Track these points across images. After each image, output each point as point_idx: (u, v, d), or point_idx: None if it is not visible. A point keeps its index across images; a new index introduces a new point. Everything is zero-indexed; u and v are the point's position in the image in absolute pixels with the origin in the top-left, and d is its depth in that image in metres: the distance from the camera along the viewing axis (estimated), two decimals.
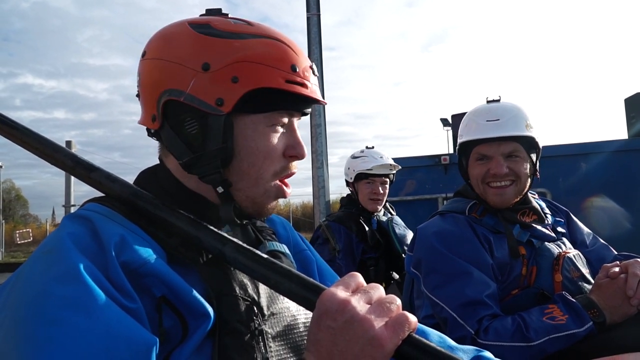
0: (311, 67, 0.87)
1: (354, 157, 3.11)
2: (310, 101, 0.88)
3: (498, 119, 1.60)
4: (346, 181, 3.16)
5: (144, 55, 0.88)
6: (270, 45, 0.83)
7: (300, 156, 0.90)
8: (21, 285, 0.66)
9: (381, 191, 2.99)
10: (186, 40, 0.83)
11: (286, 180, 0.91)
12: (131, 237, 0.74)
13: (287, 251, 0.97)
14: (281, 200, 1.09)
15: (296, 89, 0.83)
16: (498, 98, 1.75)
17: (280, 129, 0.87)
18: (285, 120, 0.87)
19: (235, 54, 0.81)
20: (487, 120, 1.61)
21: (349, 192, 3.17)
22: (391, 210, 3.21)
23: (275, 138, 0.86)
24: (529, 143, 1.62)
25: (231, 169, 0.85)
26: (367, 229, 2.90)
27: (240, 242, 0.77)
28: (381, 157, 3.01)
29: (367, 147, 3.15)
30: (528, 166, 1.62)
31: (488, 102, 1.75)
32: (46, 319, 0.61)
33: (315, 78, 0.89)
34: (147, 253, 0.74)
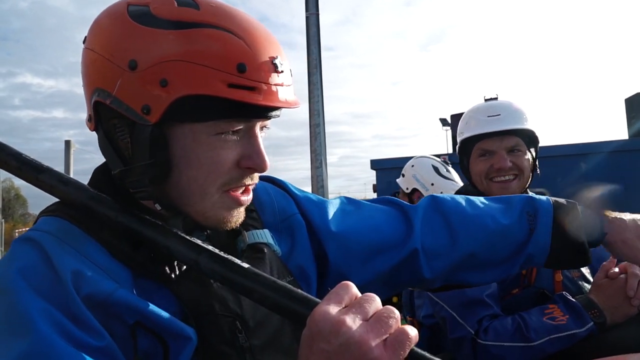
0: (274, 62, 0.69)
1: (442, 175, 2.70)
2: (269, 107, 0.70)
3: (499, 114, 1.62)
4: (408, 188, 2.78)
5: (84, 41, 0.74)
6: (213, 38, 0.66)
7: (258, 168, 0.73)
8: None
9: None
10: (118, 29, 0.69)
11: (250, 187, 0.76)
12: (87, 266, 0.66)
13: (270, 240, 0.84)
14: None
15: (242, 95, 0.66)
16: (495, 96, 1.77)
17: (233, 137, 0.71)
18: (240, 126, 0.71)
19: (167, 50, 0.65)
20: (489, 116, 1.63)
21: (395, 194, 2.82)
22: None
23: (224, 148, 0.71)
24: (529, 137, 1.64)
25: (170, 183, 0.71)
26: None
27: (217, 251, 0.68)
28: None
29: (450, 162, 2.79)
30: (529, 161, 1.64)
31: (486, 100, 1.77)
32: None
33: (284, 75, 0.71)
34: (110, 283, 0.66)
